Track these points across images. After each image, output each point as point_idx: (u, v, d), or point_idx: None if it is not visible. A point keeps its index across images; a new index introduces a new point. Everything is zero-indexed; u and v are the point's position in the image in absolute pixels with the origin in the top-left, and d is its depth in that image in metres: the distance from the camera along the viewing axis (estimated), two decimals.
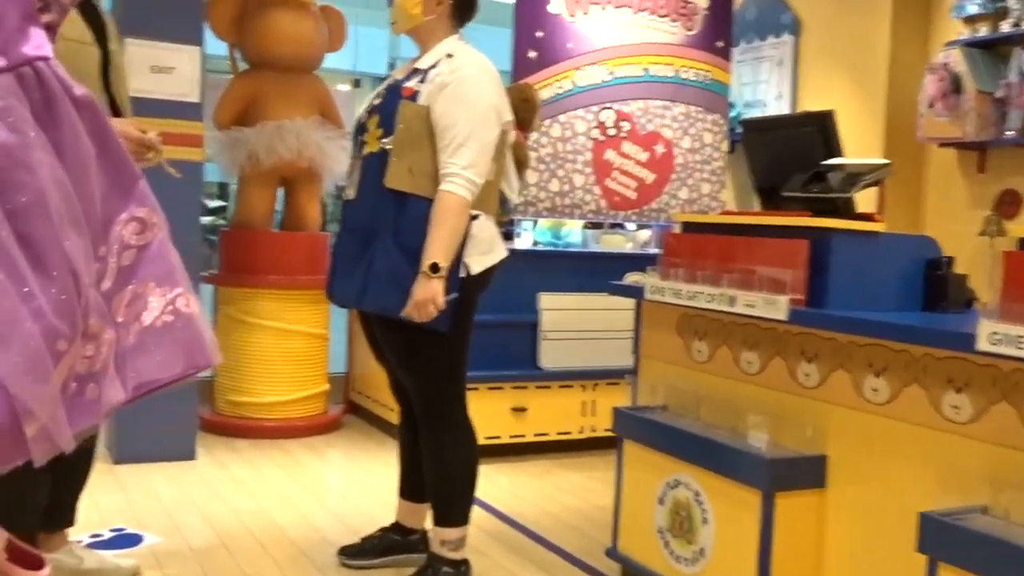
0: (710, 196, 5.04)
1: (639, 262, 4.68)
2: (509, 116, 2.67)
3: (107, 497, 3.55)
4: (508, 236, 5.17)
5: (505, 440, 4.31)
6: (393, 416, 4.13)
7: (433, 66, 2.59)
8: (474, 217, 2.57)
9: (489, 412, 4.22)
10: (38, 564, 1.25)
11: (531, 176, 4.58)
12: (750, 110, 6.06)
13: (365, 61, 6.72)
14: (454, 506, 2.69)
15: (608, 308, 4.45)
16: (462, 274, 2.56)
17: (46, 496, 2.52)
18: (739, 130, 4.93)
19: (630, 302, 3.06)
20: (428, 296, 2.43)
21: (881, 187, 2.80)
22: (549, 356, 4.43)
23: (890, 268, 2.39)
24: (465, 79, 2.54)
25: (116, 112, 2.54)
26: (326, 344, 4.78)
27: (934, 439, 2.08)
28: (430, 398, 2.67)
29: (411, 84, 2.59)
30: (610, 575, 2.93)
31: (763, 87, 6.04)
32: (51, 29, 1.30)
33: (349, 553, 2.93)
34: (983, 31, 4.76)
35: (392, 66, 10.48)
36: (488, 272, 2.67)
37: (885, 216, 2.59)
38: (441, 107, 2.52)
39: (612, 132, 4.78)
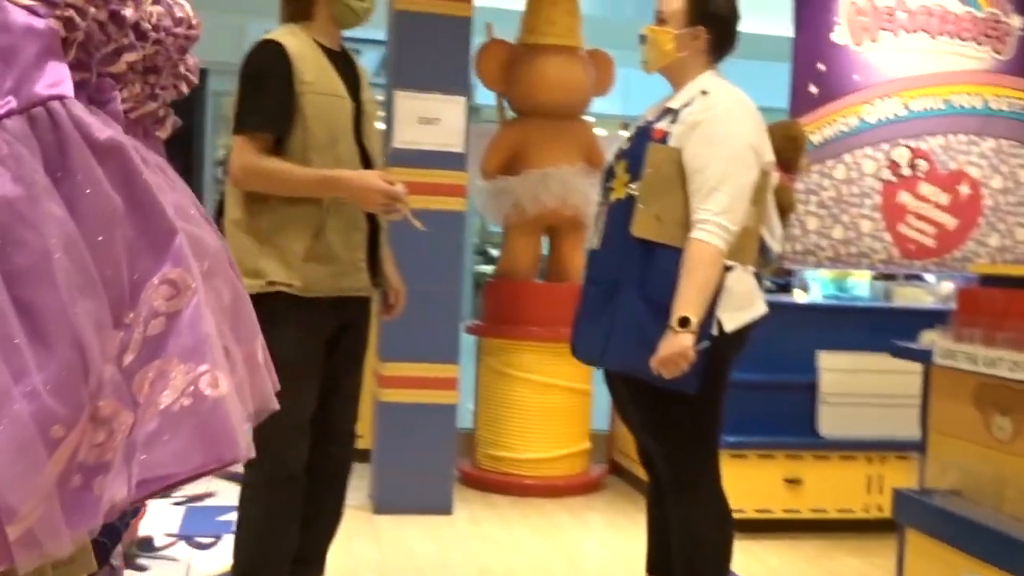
0: None
1: (939, 319, 4.24)
2: (770, 156, 2.48)
3: (362, 546, 3.64)
4: (786, 288, 4.88)
5: (777, 514, 4.01)
6: None
7: (686, 105, 2.46)
8: (729, 268, 2.40)
9: (760, 482, 3.96)
10: None
11: (811, 222, 4.29)
12: None
13: (635, 105, 6.68)
14: None
15: (901, 371, 4.03)
16: (714, 331, 2.39)
17: (294, 544, 2.59)
18: None
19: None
20: (676, 351, 2.28)
21: None
22: (829, 422, 4.09)
23: None
24: (719, 117, 2.39)
25: (368, 164, 2.61)
26: (589, 400, 4.71)
27: None
28: (678, 468, 2.50)
29: (662, 125, 2.47)
30: None
31: None
32: (100, 72, 1.19)
33: None
34: None
35: None
36: (744, 330, 2.48)
37: None
38: (693, 148, 2.38)
39: (906, 172, 4.40)
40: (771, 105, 5.44)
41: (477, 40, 4.42)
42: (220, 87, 8.58)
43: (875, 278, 4.79)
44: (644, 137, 2.49)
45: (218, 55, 6.36)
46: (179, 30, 1.31)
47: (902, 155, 4.39)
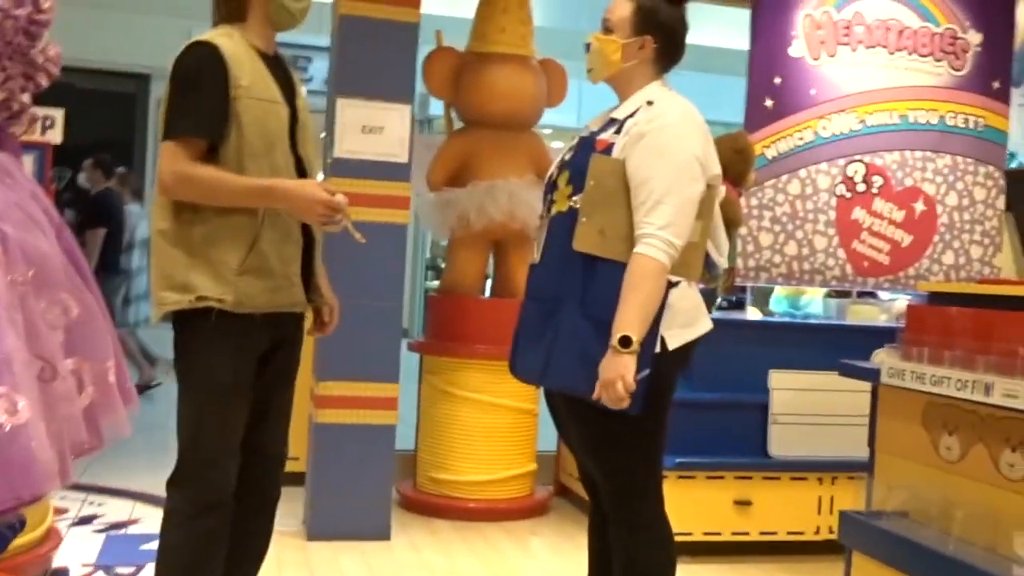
0: (981, 261, 4.57)
1: (886, 337, 4.28)
2: (717, 169, 2.48)
3: (294, 575, 3.58)
4: (740, 305, 4.91)
5: (726, 537, 4.02)
6: None
7: (631, 115, 2.46)
8: (673, 284, 2.39)
9: (708, 504, 3.96)
10: None
11: (765, 238, 4.33)
12: None
13: (588, 115, 6.73)
14: None
15: (853, 390, 4.06)
16: (657, 349, 2.38)
17: (219, 574, 2.54)
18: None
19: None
20: (617, 374, 2.26)
21: None
22: (780, 443, 4.11)
23: None
24: (664, 128, 2.39)
25: (302, 173, 2.57)
26: (535, 420, 4.69)
27: None
28: (620, 491, 2.49)
29: (605, 136, 2.47)
30: None
31: None
32: None
33: None
34: None
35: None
36: (688, 347, 2.47)
37: None
38: (637, 160, 2.37)
39: (861, 188, 4.46)
40: (725, 119, 5.50)
41: (424, 48, 4.40)
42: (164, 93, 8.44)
43: (828, 295, 4.84)
44: (587, 148, 2.48)
45: (162, 60, 6.27)
46: (19, 12, 1.17)
47: (857, 171, 4.45)
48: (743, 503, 4.03)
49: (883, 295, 4.92)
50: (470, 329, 4.61)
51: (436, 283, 11.69)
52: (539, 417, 4.71)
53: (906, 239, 4.51)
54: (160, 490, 2.51)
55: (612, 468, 2.48)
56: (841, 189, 4.44)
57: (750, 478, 4.05)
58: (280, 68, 2.59)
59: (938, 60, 4.59)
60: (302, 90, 2.68)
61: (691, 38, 2.59)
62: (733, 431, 4.10)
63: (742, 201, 3.98)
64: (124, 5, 11.68)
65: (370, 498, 4.07)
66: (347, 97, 4.06)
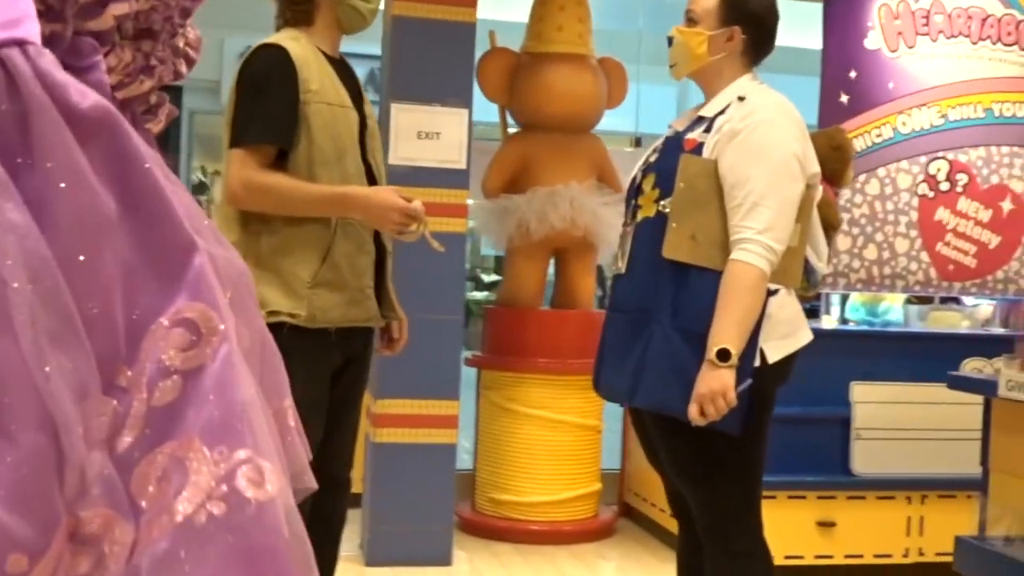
0: None
1: (980, 345, 4.15)
2: (815, 168, 2.38)
3: None
4: (813, 313, 4.78)
5: (809, 561, 3.89)
6: (674, 524, 3.87)
7: (721, 112, 2.37)
8: (772, 292, 2.30)
9: (789, 526, 3.84)
10: None
11: (842, 242, 4.20)
12: None
13: (646, 120, 6.67)
14: None
15: (941, 402, 3.95)
16: (756, 362, 2.28)
17: None
18: None
19: (972, 395, 2.64)
20: (716, 389, 2.17)
21: None
22: (864, 459, 3.98)
23: None
24: (759, 125, 2.29)
25: (372, 180, 2.52)
26: (599, 437, 4.59)
27: None
28: (716, 514, 2.39)
29: (694, 135, 2.37)
30: None
31: None
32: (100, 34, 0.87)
33: None
34: None
35: None
36: (789, 360, 2.38)
37: None
38: (731, 160, 2.28)
39: (945, 187, 4.31)
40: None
41: (478, 51, 4.34)
42: (196, 105, 8.46)
43: (908, 301, 4.70)
44: (674, 148, 2.39)
45: (194, 71, 6.27)
46: None
47: (940, 168, 4.31)
48: (826, 524, 3.90)
49: (967, 300, 4.77)
50: (530, 342, 4.52)
51: (476, 295, 11.67)
52: (602, 433, 4.62)
53: (994, 240, 4.36)
54: None
55: (708, 491, 2.39)
56: (923, 188, 4.30)
57: (833, 497, 3.92)
58: (347, 72, 2.53)
59: None
60: (367, 94, 2.63)
61: None
62: (813, 447, 3.98)
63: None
64: None
65: (430, 521, 3.99)
66: (401, 102, 4.00)
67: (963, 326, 4.60)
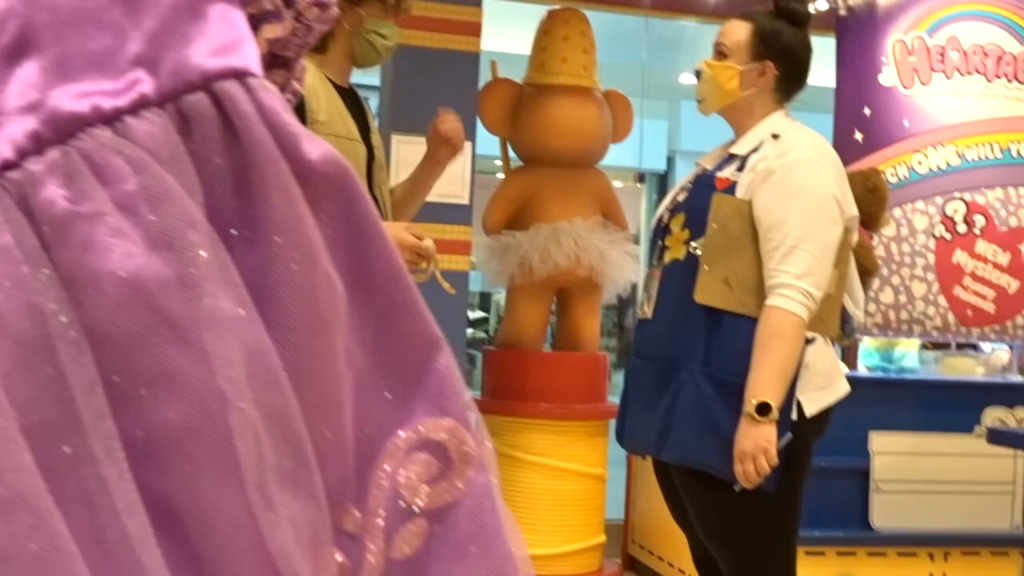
0: None
1: (999, 394, 4.10)
2: (854, 211, 2.33)
3: None
4: None
5: None
6: None
7: (754, 150, 2.31)
8: (809, 341, 2.23)
9: None
10: None
11: None
12: None
13: (649, 156, 6.64)
14: None
15: (964, 453, 3.89)
16: (793, 415, 2.21)
17: None
18: None
19: (998, 447, 2.57)
20: (757, 446, 2.09)
21: None
22: (884, 513, 3.90)
23: None
24: (796, 164, 2.24)
25: (381, 216, 2.44)
26: (604, 487, 4.49)
27: None
28: (747, 574, 2.30)
29: (726, 174, 2.32)
30: None
31: None
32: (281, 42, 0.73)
33: None
34: None
35: (670, 161, 10.39)
36: (826, 413, 2.32)
37: None
38: (766, 200, 2.22)
39: (962, 228, 4.28)
40: None
41: (483, 82, 4.29)
42: None
43: (924, 347, 4.65)
44: (705, 187, 2.33)
45: None
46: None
47: (957, 210, 4.27)
48: None
49: (985, 346, 4.72)
50: (532, 385, 4.42)
51: (468, 331, 11.59)
52: (607, 483, 4.53)
53: (1013, 284, 4.32)
54: None
55: (740, 552, 2.30)
56: (940, 230, 4.26)
57: (853, 553, 3.84)
58: (356, 102, 2.47)
59: None
60: (375, 127, 2.57)
61: None
62: (831, 500, 3.89)
63: None
64: None
65: None
66: (402, 133, 3.94)
67: (978, 372, 4.56)
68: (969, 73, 4.36)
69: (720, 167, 2.37)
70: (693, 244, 2.28)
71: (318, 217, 0.62)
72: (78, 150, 0.56)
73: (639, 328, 2.44)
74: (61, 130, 0.56)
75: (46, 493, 0.49)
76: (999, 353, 4.73)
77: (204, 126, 0.60)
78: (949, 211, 4.28)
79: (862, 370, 4.65)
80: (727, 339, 2.21)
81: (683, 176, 2.67)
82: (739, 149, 2.36)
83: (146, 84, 0.59)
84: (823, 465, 3.83)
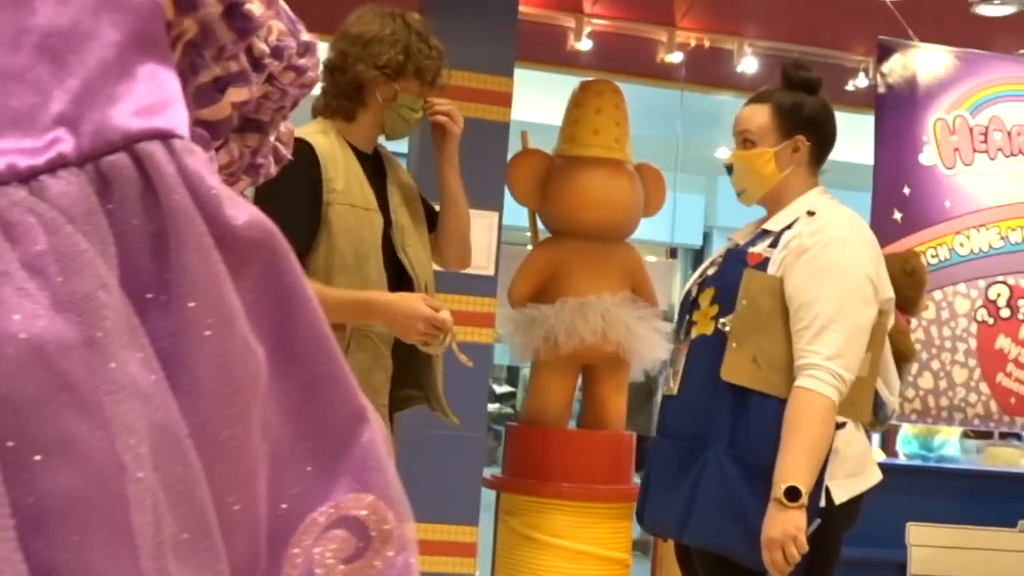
0: None
1: None
2: (889, 293, 2.32)
3: None
4: None
5: None
6: None
7: (788, 227, 2.32)
8: (840, 426, 2.21)
9: None
10: None
11: None
12: None
13: (681, 231, 6.68)
14: None
15: (1008, 549, 3.82)
16: (822, 503, 2.19)
17: None
18: None
19: None
20: (786, 533, 2.07)
21: None
22: None
23: None
24: (831, 243, 2.24)
25: (405, 278, 2.47)
26: (628, 572, 4.43)
27: None
28: None
29: (758, 249, 2.32)
30: None
31: None
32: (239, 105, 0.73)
33: None
34: None
35: (706, 237, 10.43)
36: (856, 501, 2.29)
37: None
38: (798, 278, 2.22)
39: (1005, 313, 4.24)
40: None
41: (512, 152, 4.34)
42: None
43: (965, 435, 4.59)
44: (736, 262, 2.34)
45: None
46: (304, 61, 0.79)
47: (1000, 293, 4.25)
48: None
49: None
50: (555, 464, 4.39)
51: (489, 406, 11.59)
52: (631, 567, 4.47)
53: None
54: None
55: None
56: (982, 314, 4.23)
57: None
58: (377, 169, 2.52)
59: None
60: (407, 179, 2.63)
61: None
62: None
63: None
64: None
65: None
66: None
67: (1022, 464, 4.49)
68: (1013, 154, 4.36)
69: (753, 242, 2.38)
70: (722, 320, 2.28)
71: (241, 282, 0.62)
72: None
73: (664, 405, 2.43)
74: None
75: None
76: None
77: (123, 187, 0.60)
78: (992, 295, 4.25)
79: (901, 458, 4.59)
80: (754, 419, 2.20)
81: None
82: (773, 225, 2.37)
83: (66, 143, 0.60)
84: (857, 556, 3.79)
